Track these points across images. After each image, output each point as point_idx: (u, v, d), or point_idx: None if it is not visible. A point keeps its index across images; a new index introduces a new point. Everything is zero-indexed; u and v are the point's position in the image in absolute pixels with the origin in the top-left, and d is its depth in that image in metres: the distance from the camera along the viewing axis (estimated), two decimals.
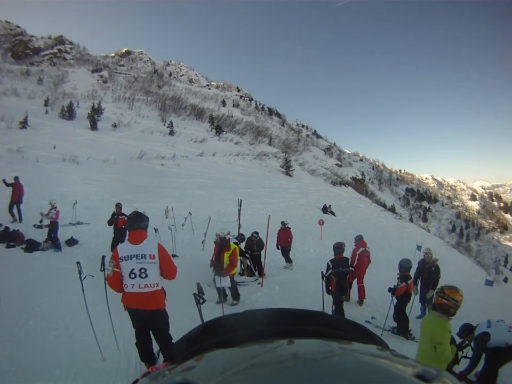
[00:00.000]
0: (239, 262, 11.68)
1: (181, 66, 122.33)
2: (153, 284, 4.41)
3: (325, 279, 7.60)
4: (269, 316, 0.73)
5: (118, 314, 5.25)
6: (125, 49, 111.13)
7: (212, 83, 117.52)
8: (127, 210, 10.72)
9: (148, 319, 4.51)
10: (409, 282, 7.95)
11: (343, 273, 8.42)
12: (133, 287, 4.35)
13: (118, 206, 11.77)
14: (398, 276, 8.17)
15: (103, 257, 5.47)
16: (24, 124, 30.37)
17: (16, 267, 9.11)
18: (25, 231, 11.83)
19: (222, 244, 8.58)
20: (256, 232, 12.03)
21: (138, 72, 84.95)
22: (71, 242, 12.24)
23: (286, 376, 0.45)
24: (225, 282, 8.03)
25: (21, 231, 11.64)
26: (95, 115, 38.44)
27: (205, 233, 13.74)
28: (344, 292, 8.46)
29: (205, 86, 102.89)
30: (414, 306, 8.65)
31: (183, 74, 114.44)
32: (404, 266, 8.22)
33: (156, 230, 11.74)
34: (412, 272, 8.75)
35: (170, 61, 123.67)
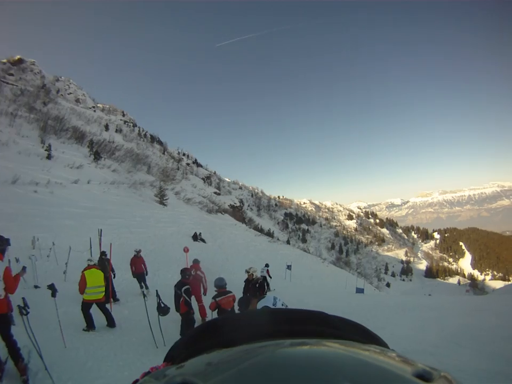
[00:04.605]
0: None
1: (70, 83, 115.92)
2: None
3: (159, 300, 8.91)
4: (269, 316, 0.76)
5: None
6: (18, 56, 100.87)
7: (98, 105, 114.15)
8: None
9: None
10: (218, 299, 8.64)
11: (177, 294, 9.42)
12: None
13: None
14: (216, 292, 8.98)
15: None
16: None
17: None
18: None
19: None
20: (104, 253, 13.24)
21: (26, 85, 79.41)
22: None
23: (285, 376, 0.45)
24: None
25: None
26: None
27: (66, 263, 14.21)
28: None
29: (90, 108, 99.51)
30: None
31: (70, 93, 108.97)
32: (218, 285, 8.98)
33: (17, 260, 12.23)
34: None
35: (60, 77, 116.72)
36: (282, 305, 4.73)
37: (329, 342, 0.57)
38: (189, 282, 9.79)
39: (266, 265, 20.80)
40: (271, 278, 22.45)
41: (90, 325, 9.06)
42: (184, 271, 10.06)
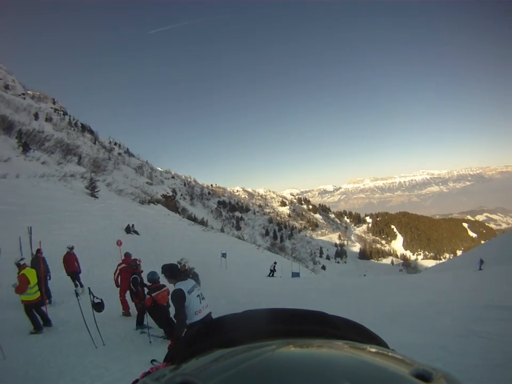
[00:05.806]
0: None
1: None
2: None
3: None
4: (269, 316, 0.76)
5: None
6: None
7: (28, 92, 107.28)
8: None
9: None
10: (153, 294, 8.18)
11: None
12: None
13: None
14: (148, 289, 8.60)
15: None
16: None
17: None
18: None
19: None
20: (39, 250, 12.02)
21: None
22: None
23: (285, 376, 0.44)
24: None
25: None
26: None
27: None
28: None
29: (20, 95, 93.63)
30: None
31: (0, 79, 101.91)
32: (151, 279, 8.52)
33: None
34: None
35: None
36: (198, 296, 5.34)
37: (329, 342, 0.58)
38: (137, 272, 9.66)
39: (275, 262, 29.49)
40: (275, 271, 29.29)
41: (38, 326, 8.84)
42: (129, 263, 10.25)
